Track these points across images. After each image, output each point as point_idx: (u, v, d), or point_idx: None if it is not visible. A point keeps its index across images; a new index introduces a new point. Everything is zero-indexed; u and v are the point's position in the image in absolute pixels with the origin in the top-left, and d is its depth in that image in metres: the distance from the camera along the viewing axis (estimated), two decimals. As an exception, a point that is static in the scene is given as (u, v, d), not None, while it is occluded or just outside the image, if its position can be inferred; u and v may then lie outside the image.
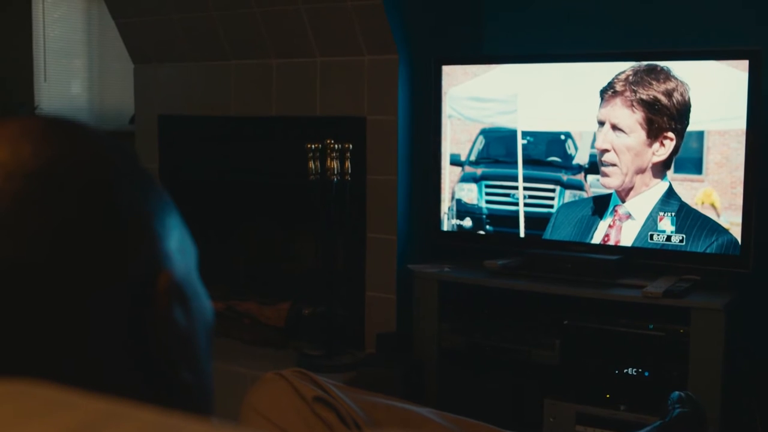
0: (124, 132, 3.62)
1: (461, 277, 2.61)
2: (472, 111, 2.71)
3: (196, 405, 0.49)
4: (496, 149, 2.69)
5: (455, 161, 2.75)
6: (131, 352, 0.46)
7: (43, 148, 0.46)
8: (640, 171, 2.43)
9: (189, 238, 0.52)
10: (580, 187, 2.57)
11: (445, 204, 2.77)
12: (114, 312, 0.45)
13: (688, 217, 2.38)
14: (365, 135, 2.76)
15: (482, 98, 2.69)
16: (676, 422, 1.73)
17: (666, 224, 2.42)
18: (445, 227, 2.78)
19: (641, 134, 2.41)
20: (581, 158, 2.55)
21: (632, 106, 2.41)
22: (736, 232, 2.31)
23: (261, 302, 3.06)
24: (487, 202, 2.72)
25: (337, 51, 2.79)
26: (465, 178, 2.74)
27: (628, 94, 2.41)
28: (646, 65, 2.40)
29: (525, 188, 2.65)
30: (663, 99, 2.37)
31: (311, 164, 2.69)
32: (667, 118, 2.37)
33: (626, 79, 2.42)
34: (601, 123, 2.47)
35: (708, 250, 2.36)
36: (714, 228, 2.34)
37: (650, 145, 2.40)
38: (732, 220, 2.32)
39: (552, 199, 2.61)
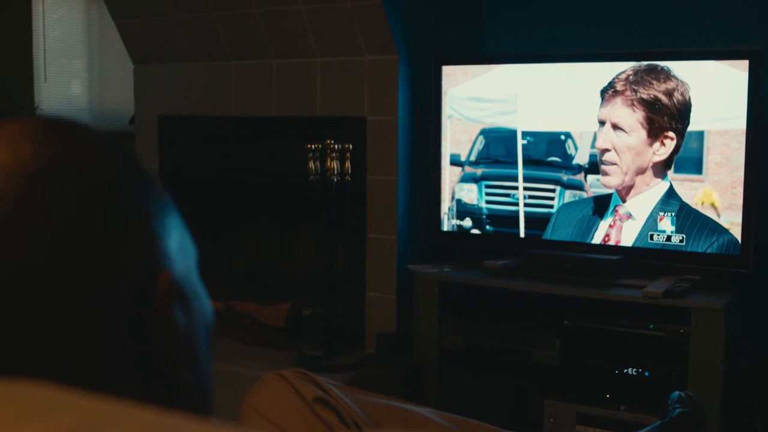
0: (124, 132, 3.62)
1: (461, 278, 2.61)
2: (472, 111, 2.71)
3: (196, 405, 0.49)
4: (496, 149, 2.69)
5: (455, 161, 2.75)
6: (131, 352, 0.46)
7: (43, 149, 0.46)
8: (641, 170, 2.43)
9: (189, 238, 0.52)
10: (580, 187, 2.57)
11: (445, 204, 2.77)
12: (114, 312, 0.45)
13: (688, 217, 2.38)
14: (365, 135, 2.76)
15: (482, 98, 2.69)
16: (676, 422, 1.73)
17: (666, 224, 2.42)
18: (445, 227, 2.78)
19: (642, 133, 2.41)
20: (581, 158, 2.55)
21: (633, 105, 2.41)
22: (736, 232, 2.31)
23: (261, 302, 3.06)
24: (487, 202, 2.72)
25: (337, 51, 2.79)
26: (465, 179, 2.74)
27: (628, 93, 2.41)
28: (647, 65, 2.40)
29: (525, 188, 2.65)
30: (663, 98, 2.37)
31: (311, 164, 2.69)
32: (667, 117, 2.37)
33: (627, 78, 2.42)
34: (602, 122, 2.47)
35: (708, 250, 2.36)
36: (714, 228, 2.34)
37: (651, 144, 2.40)
38: (732, 220, 2.32)
39: (552, 199, 2.61)
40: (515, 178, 2.66)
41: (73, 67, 4.23)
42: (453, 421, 1.36)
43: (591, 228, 2.54)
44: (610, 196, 2.50)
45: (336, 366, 2.64)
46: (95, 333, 0.44)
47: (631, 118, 2.41)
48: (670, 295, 2.27)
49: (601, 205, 2.53)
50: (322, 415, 1.28)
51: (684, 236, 2.39)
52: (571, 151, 2.57)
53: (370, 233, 2.79)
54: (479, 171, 2.72)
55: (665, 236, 2.42)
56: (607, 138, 2.46)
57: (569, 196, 2.58)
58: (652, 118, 2.39)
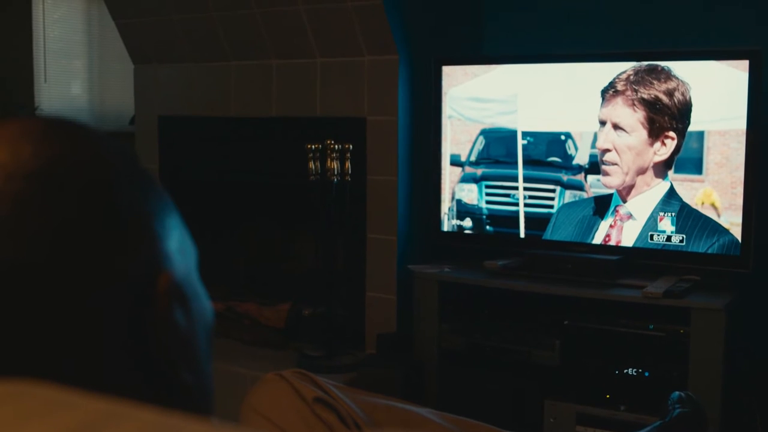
0: (125, 133, 3.62)
1: (461, 278, 2.61)
2: (473, 111, 2.71)
3: (196, 405, 0.49)
4: (497, 149, 2.69)
5: (455, 162, 2.75)
6: (131, 352, 0.46)
7: (43, 149, 0.46)
8: (642, 170, 2.43)
9: (189, 238, 0.52)
10: (580, 187, 2.57)
11: (446, 204, 2.77)
12: (114, 312, 0.45)
13: (689, 218, 2.38)
14: (365, 135, 2.76)
15: (482, 98, 2.69)
16: (676, 422, 1.73)
17: (666, 224, 2.42)
18: (446, 228, 2.78)
19: (643, 133, 2.41)
20: (581, 158, 2.55)
21: (633, 105, 2.41)
22: (736, 233, 2.31)
23: (261, 303, 3.06)
24: (488, 202, 2.72)
25: (337, 51, 2.79)
26: (465, 179, 2.74)
27: (629, 93, 2.41)
28: (647, 65, 2.40)
29: (525, 189, 2.65)
30: (664, 98, 2.37)
31: (311, 165, 2.69)
32: (668, 117, 2.37)
33: (627, 78, 2.42)
34: (603, 122, 2.47)
35: (708, 251, 2.36)
36: (714, 228, 2.34)
37: (652, 144, 2.40)
38: (732, 221, 2.32)
39: (552, 199, 2.61)
40: (515, 179, 2.66)
41: (73, 68, 4.23)
42: (453, 421, 1.36)
43: (591, 228, 2.54)
44: (610, 196, 2.50)
45: (336, 366, 2.64)
46: (95, 333, 0.44)
47: (632, 118, 2.41)
48: (670, 295, 2.27)
49: (602, 205, 2.53)
50: (322, 416, 1.28)
51: (684, 236, 2.39)
52: (571, 151, 2.57)
53: (370, 233, 2.79)
54: (479, 171, 2.72)
55: (665, 236, 2.42)
56: (607, 138, 2.46)
57: (569, 196, 2.58)
58: (653, 118, 2.39)
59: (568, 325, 2.43)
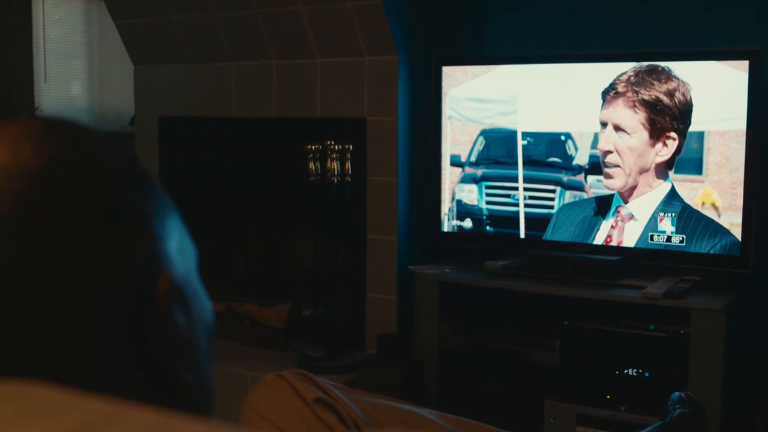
0: (125, 133, 3.62)
1: (462, 278, 2.61)
2: (473, 112, 2.71)
3: (196, 406, 0.49)
4: (497, 150, 2.69)
5: (455, 162, 2.75)
6: (131, 352, 0.46)
7: (43, 149, 0.46)
8: (643, 171, 2.43)
9: (189, 239, 0.52)
10: (580, 187, 2.57)
11: (446, 205, 2.77)
12: (114, 312, 0.45)
13: (690, 218, 2.38)
14: (365, 136, 2.76)
15: (482, 99, 2.69)
16: (676, 423, 1.73)
17: (666, 225, 2.42)
18: (446, 228, 2.78)
19: (644, 135, 2.40)
20: (581, 159, 2.55)
21: (634, 106, 2.40)
22: (737, 233, 2.31)
23: (261, 303, 3.06)
24: (488, 203, 2.72)
25: (337, 52, 2.79)
26: (465, 179, 2.74)
27: (630, 95, 2.41)
28: (647, 65, 2.40)
29: (525, 189, 2.65)
30: (665, 99, 2.37)
31: (311, 165, 2.68)
32: (669, 118, 2.37)
33: (628, 80, 2.42)
34: (604, 124, 2.47)
35: (709, 251, 2.35)
36: (715, 229, 2.34)
37: (653, 145, 2.40)
38: (732, 221, 2.32)
39: (552, 200, 2.61)
40: (515, 179, 2.66)
41: (73, 68, 4.23)
42: (453, 422, 1.36)
43: (592, 229, 2.54)
44: (611, 196, 2.50)
45: (336, 367, 2.64)
46: (95, 333, 0.44)
47: (633, 119, 2.41)
48: (670, 295, 2.27)
49: (603, 205, 2.52)
50: (322, 416, 1.28)
51: (684, 237, 2.39)
52: (571, 151, 2.57)
53: (370, 234, 2.79)
54: (479, 172, 2.72)
55: (665, 237, 2.42)
56: (609, 140, 2.45)
57: (569, 196, 2.58)
58: (654, 119, 2.39)
59: (569, 325, 2.43)
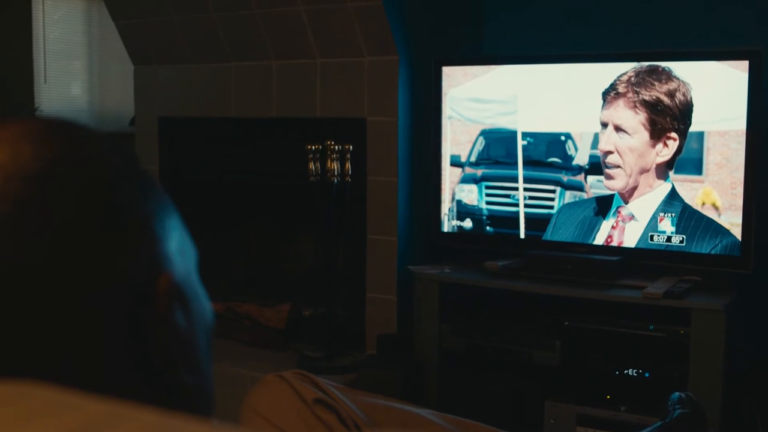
0: (125, 133, 3.62)
1: (462, 279, 2.61)
2: (473, 112, 2.71)
3: (196, 406, 0.49)
4: (497, 150, 2.69)
5: (455, 162, 2.75)
6: (131, 352, 0.46)
7: (43, 150, 0.46)
8: (644, 172, 2.43)
9: (189, 240, 0.52)
10: (580, 188, 2.57)
11: (446, 205, 2.77)
12: (114, 312, 0.45)
13: (691, 219, 2.37)
14: (365, 136, 2.76)
15: (482, 99, 2.69)
16: (676, 423, 1.73)
17: (666, 225, 2.42)
18: (446, 228, 2.78)
19: (645, 135, 2.40)
20: (581, 159, 2.55)
21: (635, 107, 2.40)
22: (737, 233, 2.31)
23: (261, 304, 3.06)
24: (488, 203, 2.72)
25: (337, 52, 2.79)
26: (465, 179, 2.74)
27: (630, 95, 2.41)
28: (648, 66, 2.40)
29: (525, 189, 2.65)
30: (665, 99, 2.37)
31: (311, 165, 2.69)
32: (670, 118, 2.37)
33: (628, 80, 2.42)
34: (604, 125, 2.47)
35: (709, 251, 2.35)
36: (715, 229, 2.34)
37: (654, 145, 2.40)
38: (732, 221, 2.32)
39: (552, 200, 2.61)
40: (515, 179, 2.66)
41: (73, 68, 4.23)
42: (453, 422, 1.36)
43: (593, 229, 2.54)
44: (612, 197, 2.50)
45: (336, 367, 2.64)
46: (95, 333, 0.44)
47: (634, 120, 2.41)
48: (670, 296, 2.27)
49: (603, 206, 2.52)
50: (322, 417, 1.28)
51: (684, 237, 2.39)
52: (571, 152, 2.57)
53: (370, 234, 2.79)
54: (479, 172, 2.72)
55: (665, 237, 2.42)
56: (609, 140, 2.45)
57: (569, 197, 2.58)
58: (655, 119, 2.39)
59: (569, 325, 2.43)
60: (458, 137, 2.74)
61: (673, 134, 2.37)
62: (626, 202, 2.48)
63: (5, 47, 4.00)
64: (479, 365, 2.58)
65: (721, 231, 2.33)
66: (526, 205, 2.65)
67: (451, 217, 2.77)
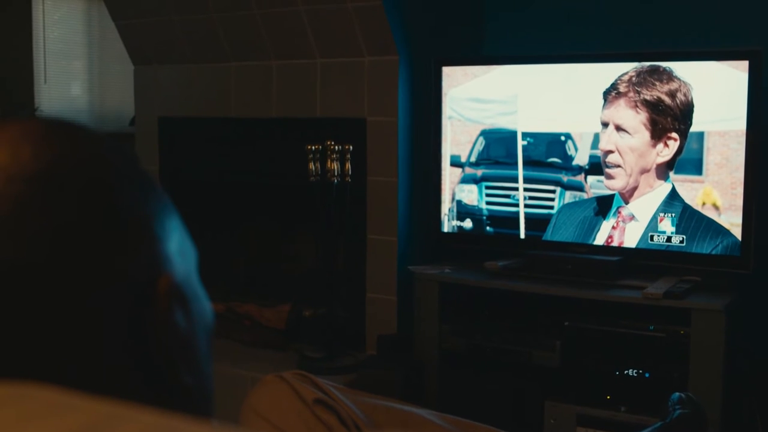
0: (125, 134, 3.62)
1: (462, 279, 2.61)
2: (473, 112, 2.71)
3: (196, 407, 0.49)
4: (497, 150, 2.69)
5: (455, 162, 2.75)
6: (131, 352, 0.46)
7: (43, 151, 0.46)
8: (644, 172, 2.43)
9: (189, 240, 0.52)
10: (580, 188, 2.57)
11: (446, 205, 2.77)
12: (114, 312, 0.45)
13: (691, 219, 2.37)
14: (365, 136, 2.76)
15: (482, 99, 2.69)
16: (676, 423, 1.73)
17: (666, 225, 2.42)
18: (446, 228, 2.78)
19: (645, 135, 2.40)
20: (581, 159, 2.55)
21: (636, 106, 2.40)
22: (736, 233, 2.31)
23: (261, 304, 3.06)
24: (488, 203, 2.72)
25: (337, 52, 2.79)
26: (465, 180, 2.74)
27: (631, 95, 2.41)
28: (649, 66, 2.40)
29: (525, 189, 2.65)
30: (667, 99, 2.37)
31: (311, 166, 2.69)
32: (671, 118, 2.37)
33: (629, 80, 2.42)
34: (605, 124, 2.47)
35: (709, 252, 2.35)
36: (716, 230, 2.34)
37: (654, 145, 2.40)
38: (732, 221, 2.32)
39: (552, 200, 2.61)
40: (515, 179, 2.66)
41: (73, 69, 4.23)
42: (453, 422, 1.36)
43: (593, 229, 2.54)
44: (612, 197, 2.50)
45: (336, 367, 2.64)
46: (95, 333, 0.44)
47: (635, 119, 2.41)
48: (670, 296, 2.27)
49: (604, 206, 2.52)
50: (322, 417, 1.28)
51: (684, 237, 2.39)
52: (571, 152, 2.57)
53: (370, 234, 2.79)
54: (479, 172, 2.72)
55: (665, 237, 2.42)
56: (610, 140, 2.45)
57: (569, 197, 2.58)
58: (656, 119, 2.38)
59: (569, 326, 2.43)
60: (458, 137, 2.74)
61: (674, 134, 2.37)
62: (626, 203, 2.48)
63: (5, 47, 4.00)
64: (479, 365, 2.58)
65: (722, 231, 2.33)
66: (526, 206, 2.65)
67: (451, 217, 2.77)
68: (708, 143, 2.34)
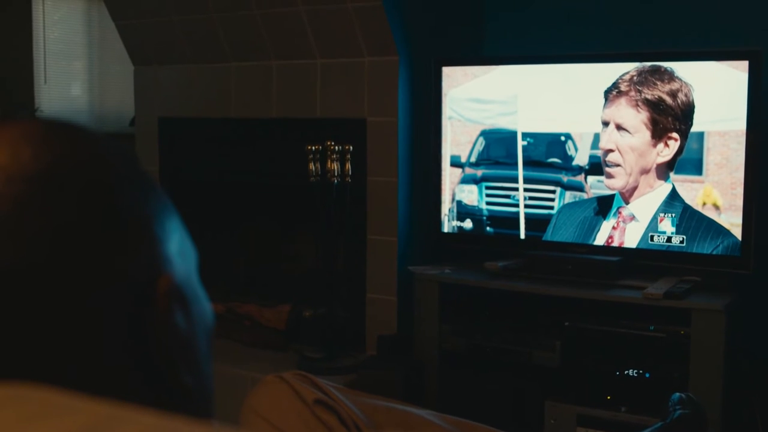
0: (125, 134, 3.62)
1: (462, 279, 2.61)
2: (473, 112, 2.71)
3: (196, 407, 0.49)
4: (497, 150, 2.69)
5: (455, 163, 2.75)
6: (131, 352, 0.46)
7: (43, 151, 0.46)
8: (645, 172, 2.43)
9: (189, 241, 0.52)
10: (580, 188, 2.57)
11: (446, 205, 2.77)
12: (114, 312, 0.45)
13: (691, 219, 2.37)
14: (365, 137, 2.76)
15: (482, 99, 2.69)
16: (676, 424, 1.72)
17: (666, 225, 2.42)
18: (446, 229, 2.78)
19: (646, 134, 2.40)
20: (581, 159, 2.55)
21: (637, 106, 2.40)
22: (737, 233, 2.31)
23: (261, 304, 3.06)
24: (488, 203, 2.72)
25: (338, 52, 2.79)
26: (465, 180, 2.74)
27: (633, 94, 2.41)
28: (651, 66, 2.39)
29: (525, 190, 2.65)
30: (668, 99, 2.37)
31: (311, 166, 2.69)
32: (671, 118, 2.37)
33: (631, 79, 2.42)
34: (606, 123, 2.47)
35: (709, 252, 2.35)
36: (716, 230, 2.34)
37: (655, 145, 2.40)
38: (732, 221, 2.32)
39: (552, 200, 2.61)
40: (515, 180, 2.66)
41: (73, 69, 4.23)
42: (453, 423, 1.36)
43: (593, 229, 2.54)
44: (612, 197, 2.50)
45: (336, 368, 2.64)
46: (95, 333, 0.44)
47: (636, 118, 2.41)
48: (670, 296, 2.27)
49: (604, 206, 2.52)
50: (322, 418, 1.28)
51: (684, 237, 2.39)
52: (571, 152, 2.57)
53: (370, 234, 2.79)
54: (479, 172, 2.72)
55: (666, 237, 2.42)
56: (610, 139, 2.45)
57: (569, 197, 2.58)
58: (657, 118, 2.38)
59: (569, 326, 2.43)
60: (458, 137, 2.74)
61: (675, 134, 2.37)
62: (627, 203, 2.48)
63: (5, 47, 4.00)
64: (479, 365, 2.58)
65: (722, 231, 2.33)
66: (526, 206, 2.65)
67: (451, 217, 2.77)
68: (708, 143, 2.34)
